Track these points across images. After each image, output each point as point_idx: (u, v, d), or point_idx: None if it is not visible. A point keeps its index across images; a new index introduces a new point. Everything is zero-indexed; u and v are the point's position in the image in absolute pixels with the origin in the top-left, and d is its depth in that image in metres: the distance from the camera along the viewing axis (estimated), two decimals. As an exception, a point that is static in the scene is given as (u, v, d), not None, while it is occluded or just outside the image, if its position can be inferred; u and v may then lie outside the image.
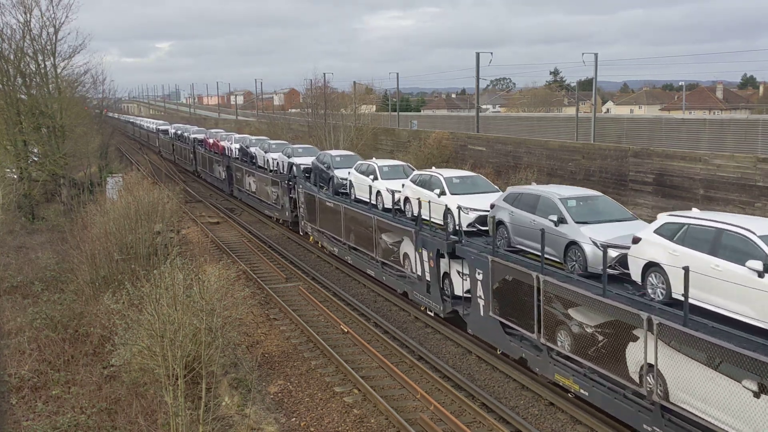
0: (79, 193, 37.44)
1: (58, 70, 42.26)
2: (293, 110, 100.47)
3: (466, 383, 16.28)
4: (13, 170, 40.34)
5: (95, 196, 35.28)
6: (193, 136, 62.12)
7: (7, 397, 16.72)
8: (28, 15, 39.71)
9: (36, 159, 41.98)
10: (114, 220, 24.94)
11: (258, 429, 14.41)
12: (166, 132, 79.14)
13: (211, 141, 53.45)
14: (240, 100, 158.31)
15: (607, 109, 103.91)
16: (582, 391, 14.31)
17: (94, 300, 20.83)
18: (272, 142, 41.89)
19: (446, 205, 20.17)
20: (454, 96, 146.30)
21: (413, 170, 25.50)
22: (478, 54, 51.55)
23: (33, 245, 31.32)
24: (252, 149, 41.85)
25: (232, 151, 46.37)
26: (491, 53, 51.64)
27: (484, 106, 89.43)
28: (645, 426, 12.71)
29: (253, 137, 46.29)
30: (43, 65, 41.53)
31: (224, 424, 14.52)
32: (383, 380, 16.88)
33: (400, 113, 72.66)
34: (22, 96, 41.61)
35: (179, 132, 70.45)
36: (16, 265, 27.55)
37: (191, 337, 14.22)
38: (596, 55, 46.35)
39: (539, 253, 15.54)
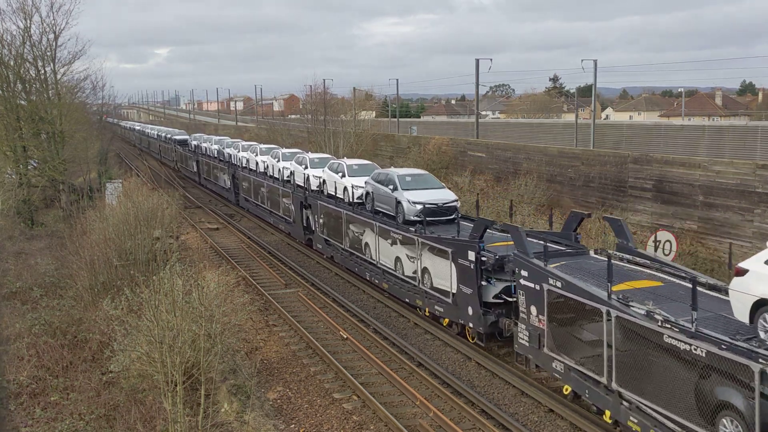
0: (79, 199, 37.47)
1: (58, 76, 42.26)
2: (293, 116, 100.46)
3: (465, 390, 16.26)
4: (13, 175, 40.33)
5: (94, 201, 35.30)
6: None
7: (6, 403, 16.68)
8: (28, 21, 39.76)
9: (35, 165, 41.98)
10: (113, 225, 24.92)
11: (257, 435, 14.36)
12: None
13: None
14: (240, 105, 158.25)
15: (607, 116, 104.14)
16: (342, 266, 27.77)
17: (93, 306, 20.81)
18: (229, 140, 52.92)
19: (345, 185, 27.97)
20: (453, 102, 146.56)
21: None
22: (477, 60, 51.64)
23: (32, 251, 31.31)
24: (214, 147, 53.26)
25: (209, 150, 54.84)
26: (491, 59, 51.69)
27: (483, 112, 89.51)
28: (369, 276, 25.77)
29: (217, 137, 57.02)
30: (42, 71, 41.54)
31: (223, 430, 14.48)
32: (383, 387, 16.86)
33: (399, 119, 72.71)
34: (22, 102, 41.59)
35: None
36: (15, 270, 27.54)
37: (190, 343, 14.20)
38: (595, 61, 46.46)
39: (387, 212, 23.60)
